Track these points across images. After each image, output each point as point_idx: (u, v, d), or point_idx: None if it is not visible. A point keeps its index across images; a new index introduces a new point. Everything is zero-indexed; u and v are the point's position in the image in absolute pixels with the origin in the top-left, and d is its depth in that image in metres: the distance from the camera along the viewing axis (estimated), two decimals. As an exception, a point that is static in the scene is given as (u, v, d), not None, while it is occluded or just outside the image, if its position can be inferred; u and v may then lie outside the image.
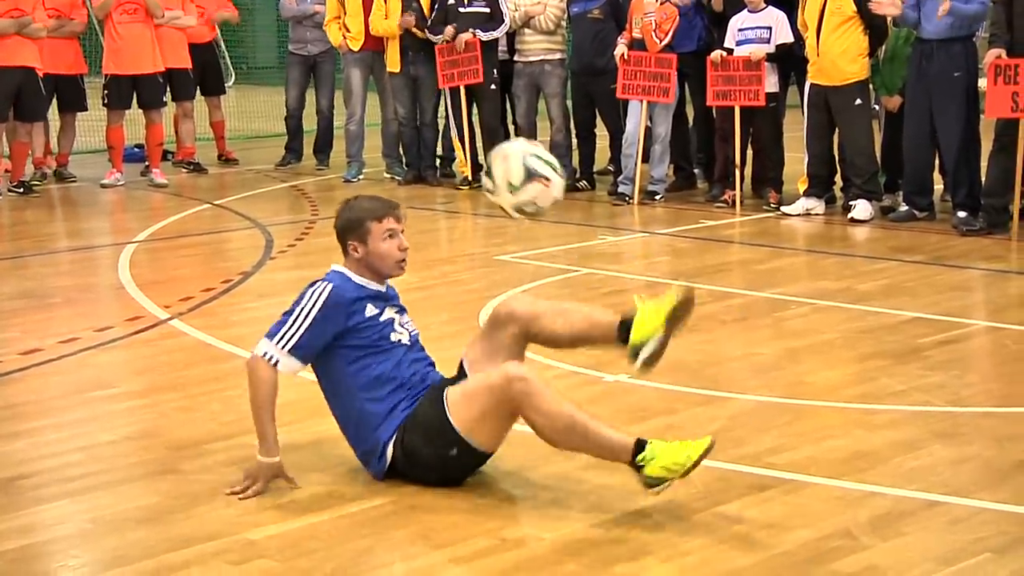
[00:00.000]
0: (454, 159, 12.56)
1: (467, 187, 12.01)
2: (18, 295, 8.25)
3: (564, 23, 11.80)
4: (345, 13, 12.47)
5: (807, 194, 10.52)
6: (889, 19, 10.09)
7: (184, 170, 13.39)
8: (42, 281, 8.71)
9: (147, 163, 12.82)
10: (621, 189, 11.26)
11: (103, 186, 12.39)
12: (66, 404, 6.01)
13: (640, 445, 4.43)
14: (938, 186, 10.33)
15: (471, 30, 11.51)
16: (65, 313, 7.78)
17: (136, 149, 13.38)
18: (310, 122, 13.89)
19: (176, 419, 5.68)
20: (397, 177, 12.58)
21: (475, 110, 12.16)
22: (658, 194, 11.19)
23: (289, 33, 13.92)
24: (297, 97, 13.73)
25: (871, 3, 9.70)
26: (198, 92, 13.68)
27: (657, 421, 5.49)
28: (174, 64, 12.79)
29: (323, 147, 13.73)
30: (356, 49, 12.45)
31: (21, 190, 11.85)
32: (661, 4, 10.83)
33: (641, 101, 10.98)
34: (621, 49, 10.96)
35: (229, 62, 14.14)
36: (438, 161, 12.77)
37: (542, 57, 11.78)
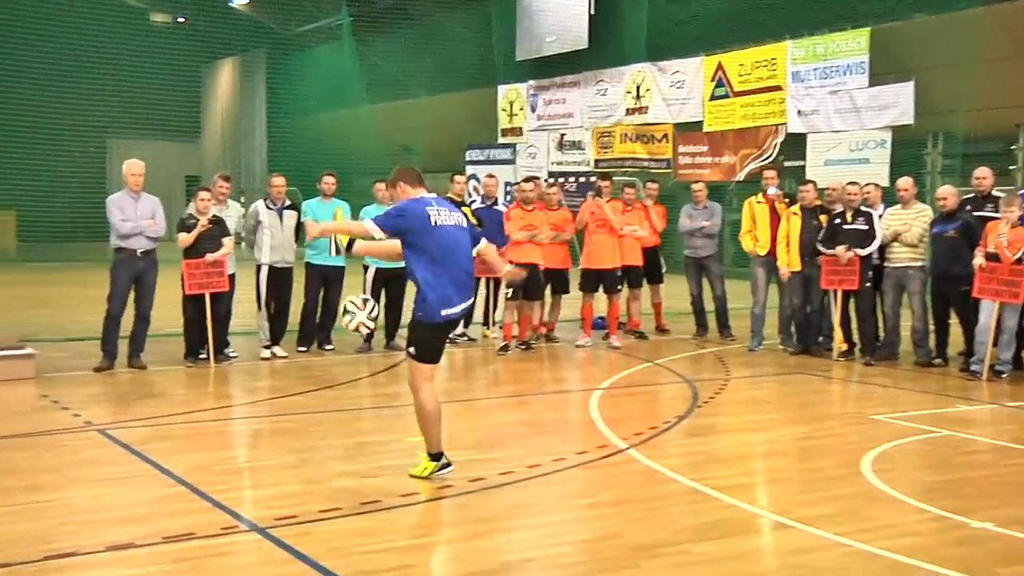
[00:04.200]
0: (832, 338, 12.06)
1: (842, 359, 11.49)
2: (521, 423, 8.46)
3: (925, 240, 11.18)
4: (756, 227, 12.41)
5: None
6: None
7: (632, 337, 13.50)
8: (538, 414, 8.90)
9: (607, 331, 13.04)
10: (973, 368, 10.40)
11: (576, 346, 12.67)
12: (557, 507, 6.08)
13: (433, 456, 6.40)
14: None
15: (853, 249, 11.11)
16: (554, 439, 7.91)
17: (599, 320, 13.62)
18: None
19: (635, 526, 5.63)
20: (788, 349, 12.20)
21: (851, 303, 11.66)
22: (1004, 373, 10.26)
23: (684, 240, 13.85)
24: (696, 286, 13.64)
25: None
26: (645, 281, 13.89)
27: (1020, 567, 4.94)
28: (629, 262, 13.03)
29: (726, 324, 13.51)
30: (763, 254, 12.31)
31: (524, 347, 12.29)
32: (1012, 227, 10.10)
33: (994, 300, 10.19)
34: (979, 260, 10.25)
35: (663, 259, 14.23)
36: (820, 339, 12.29)
37: (907, 264, 11.20)
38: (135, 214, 10.52)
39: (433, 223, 6.30)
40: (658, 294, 14.21)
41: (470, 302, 6.53)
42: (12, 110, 26.28)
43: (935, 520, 5.71)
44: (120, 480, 6.46)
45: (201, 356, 10.97)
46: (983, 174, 11.05)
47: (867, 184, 12.00)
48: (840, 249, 11.21)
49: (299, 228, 11.57)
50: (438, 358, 6.49)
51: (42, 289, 17.74)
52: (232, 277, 11.13)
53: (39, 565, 4.91)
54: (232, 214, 11.42)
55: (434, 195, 6.59)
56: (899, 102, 17.79)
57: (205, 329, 10.83)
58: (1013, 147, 18.71)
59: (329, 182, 11.95)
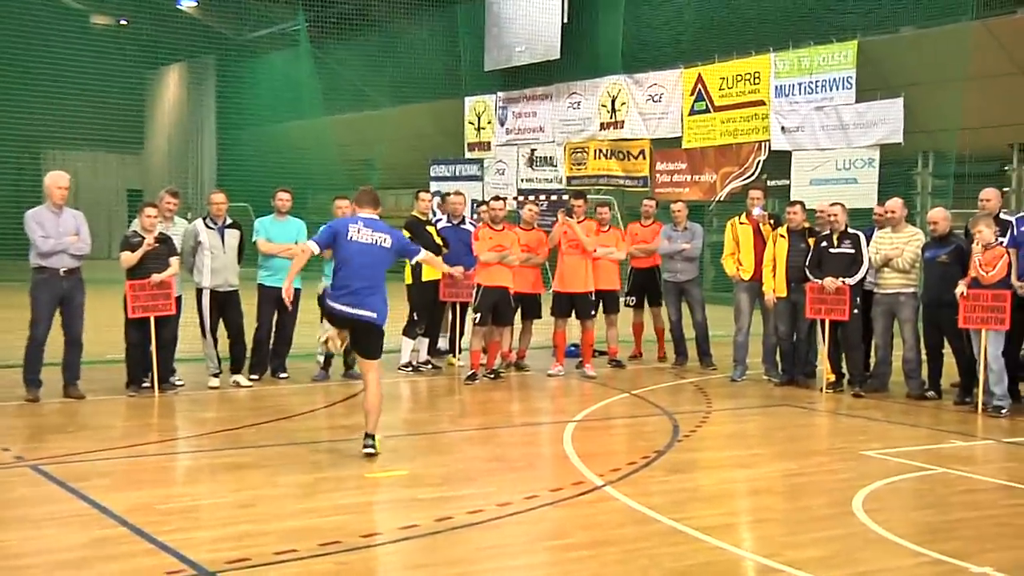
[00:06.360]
0: (818, 369, 12.12)
1: (830, 391, 11.54)
2: (491, 458, 8.42)
3: (918, 265, 11.28)
4: (739, 250, 12.49)
5: None
6: None
7: (608, 366, 13.43)
8: (508, 448, 8.86)
9: (580, 359, 12.99)
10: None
11: (548, 375, 12.61)
12: (530, 549, 6.07)
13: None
14: None
15: (841, 279, 11.16)
16: (526, 475, 7.86)
17: (572, 348, 13.57)
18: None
19: (614, 570, 5.61)
20: (773, 380, 12.25)
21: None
22: (1003, 409, 10.27)
23: (663, 264, 13.81)
24: (675, 312, 13.59)
25: None
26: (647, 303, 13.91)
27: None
28: (604, 286, 12.99)
29: (707, 352, 13.51)
30: (747, 278, 12.38)
31: (492, 376, 12.21)
32: (986, 249, 10.31)
33: (981, 329, 10.27)
34: (961, 288, 10.35)
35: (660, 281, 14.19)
36: (808, 368, 12.35)
37: (898, 290, 11.29)
38: (57, 230, 10.27)
39: (349, 238, 8.03)
40: (659, 318, 14.05)
41: (361, 312, 7.97)
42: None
43: (933, 564, 5.72)
44: (55, 521, 6.35)
45: (144, 384, 10.84)
46: (988, 195, 10.92)
47: (893, 199, 11.74)
48: (827, 280, 11.25)
49: (243, 248, 11.45)
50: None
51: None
52: (179, 300, 11.02)
53: (-33, 614, 4.80)
54: (180, 232, 11.31)
55: (371, 215, 8.21)
56: (888, 119, 18.00)
57: (149, 355, 10.71)
58: (1006, 168, 18.97)
59: (283, 198, 11.87)
